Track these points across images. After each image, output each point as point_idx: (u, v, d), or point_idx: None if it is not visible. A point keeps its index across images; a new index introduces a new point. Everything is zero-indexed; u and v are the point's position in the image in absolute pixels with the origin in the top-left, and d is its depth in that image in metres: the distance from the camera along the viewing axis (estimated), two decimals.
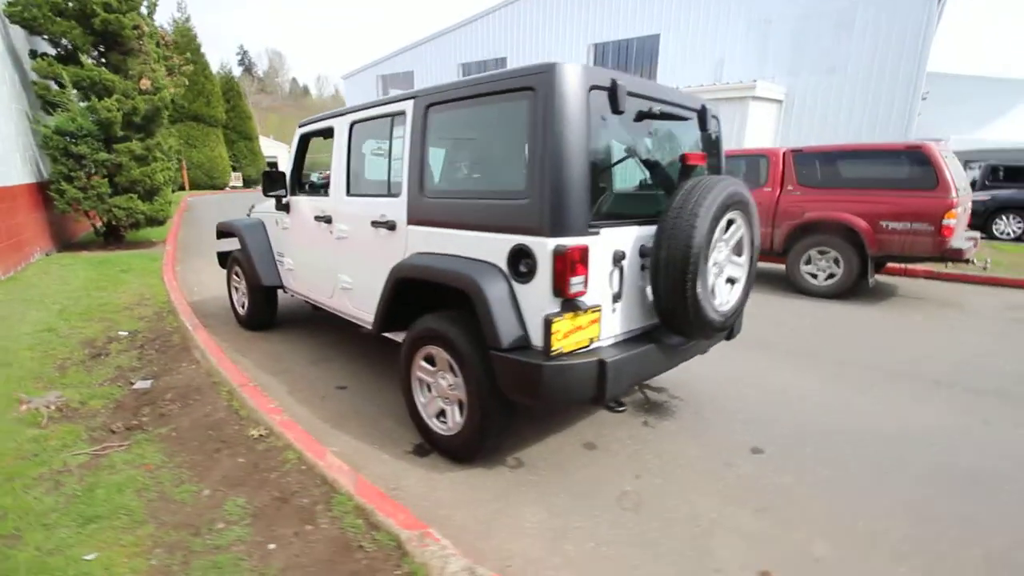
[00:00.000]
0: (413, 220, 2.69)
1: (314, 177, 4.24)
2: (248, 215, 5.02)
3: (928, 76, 14.38)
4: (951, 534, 2.16)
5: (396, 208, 2.79)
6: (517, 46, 21.65)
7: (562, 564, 1.96)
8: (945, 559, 2.01)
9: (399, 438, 2.88)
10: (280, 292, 4.57)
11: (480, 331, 2.33)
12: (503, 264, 2.23)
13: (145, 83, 7.83)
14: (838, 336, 4.84)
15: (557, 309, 2.09)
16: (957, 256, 5.46)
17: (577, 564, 1.96)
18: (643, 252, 2.36)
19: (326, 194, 3.51)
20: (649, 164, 2.47)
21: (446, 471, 2.56)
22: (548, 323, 2.02)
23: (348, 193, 3.24)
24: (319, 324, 4.96)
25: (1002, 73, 18.40)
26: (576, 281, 2.06)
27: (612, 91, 2.16)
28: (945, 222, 5.29)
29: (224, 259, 5.09)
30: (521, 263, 2.17)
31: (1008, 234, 11.49)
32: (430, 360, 2.65)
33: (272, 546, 1.93)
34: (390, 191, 2.88)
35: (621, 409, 2.58)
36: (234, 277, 4.89)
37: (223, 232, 4.93)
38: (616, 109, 2.18)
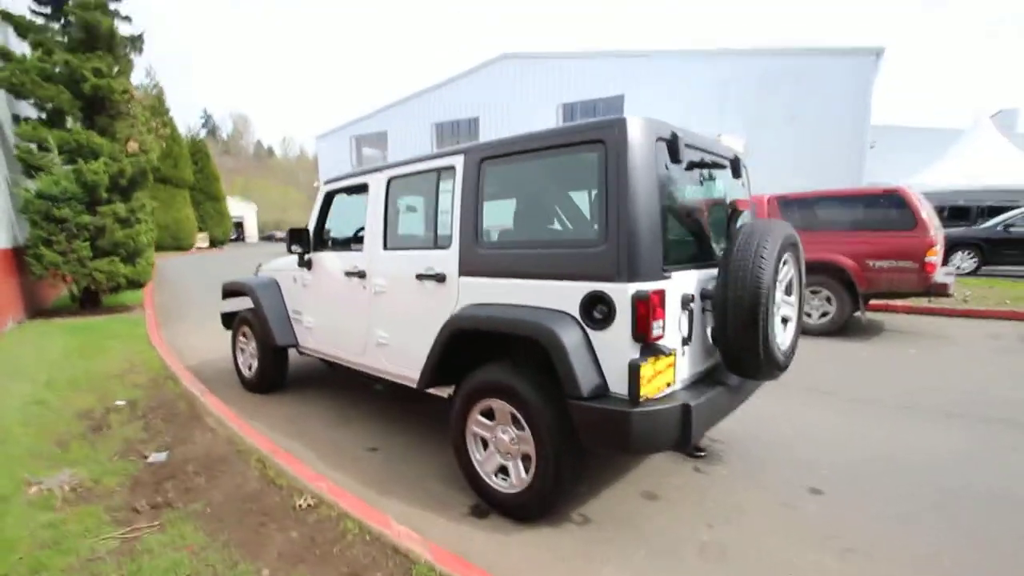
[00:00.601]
0: (465, 271, 2.67)
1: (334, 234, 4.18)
2: (256, 274, 4.90)
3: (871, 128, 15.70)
4: (1020, 557, 2.17)
5: (445, 260, 2.77)
6: (489, 107, 22.57)
7: None
8: None
9: (451, 500, 2.73)
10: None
11: (547, 381, 2.30)
12: (575, 311, 2.22)
13: (133, 145, 7.73)
14: (844, 372, 4.97)
15: (637, 355, 2.08)
16: (942, 290, 5.78)
17: None
18: (704, 295, 2.40)
19: (357, 249, 3.47)
20: (698, 210, 2.56)
21: (512, 532, 2.43)
22: (636, 369, 2.01)
23: (385, 247, 3.21)
24: (329, 383, 4.78)
25: (930, 124, 20.30)
26: (657, 325, 2.07)
27: (673, 142, 2.26)
28: (927, 259, 5.63)
29: (229, 320, 4.89)
30: (595, 310, 2.17)
31: (962, 269, 12.26)
32: (487, 414, 2.57)
33: None
34: (436, 244, 2.88)
35: (701, 454, 2.49)
36: (241, 338, 4.69)
37: (230, 292, 4.78)
38: (676, 159, 2.28)
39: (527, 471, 2.43)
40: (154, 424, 3.78)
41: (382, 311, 3.22)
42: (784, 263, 2.50)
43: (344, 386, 4.69)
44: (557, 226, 2.48)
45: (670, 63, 18.35)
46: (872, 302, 7.43)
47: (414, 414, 3.97)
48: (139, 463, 3.14)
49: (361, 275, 3.35)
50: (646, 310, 2.04)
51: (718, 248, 2.66)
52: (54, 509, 2.58)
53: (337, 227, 4.08)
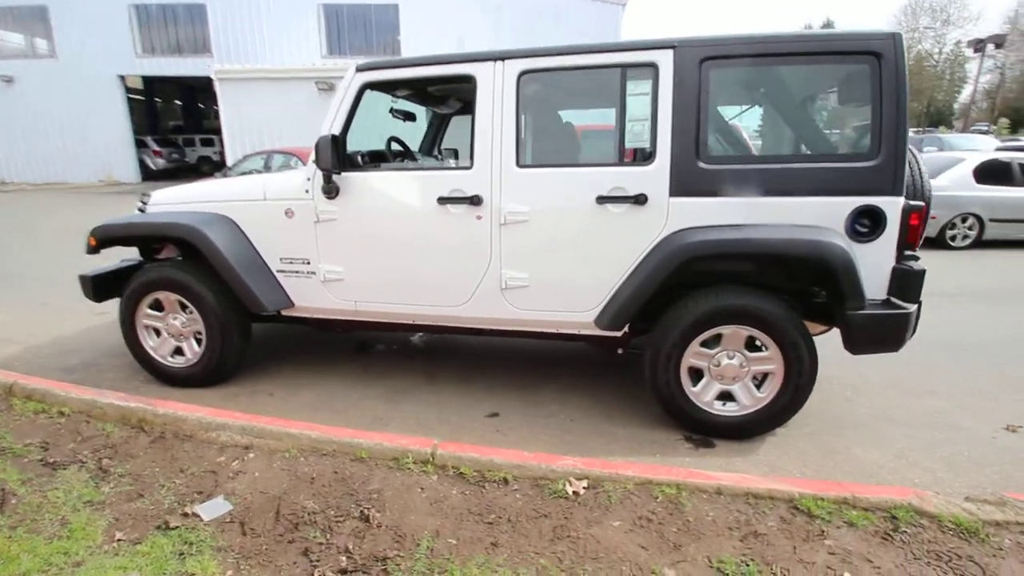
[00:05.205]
0: (680, 191, 2.35)
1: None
2: (143, 209, 3.14)
3: None
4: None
5: (646, 179, 2.36)
6: None
7: (932, 467, 2.32)
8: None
9: (659, 440, 2.57)
10: None
11: (779, 298, 2.37)
12: (840, 226, 2.27)
13: None
14: None
15: (895, 263, 2.30)
16: None
17: (934, 464, 2.35)
18: None
19: (453, 166, 2.61)
20: None
21: (756, 451, 2.47)
22: (921, 274, 2.23)
23: (519, 164, 2.51)
24: (300, 353, 3.58)
25: None
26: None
27: None
28: None
29: (109, 285, 3.07)
30: (858, 223, 2.26)
31: None
32: (707, 343, 2.46)
33: (846, 574, 1.64)
34: (623, 159, 2.42)
35: None
36: (147, 313, 3.02)
37: (112, 240, 3.00)
38: None
39: (761, 391, 2.47)
40: (109, 469, 2.26)
41: (522, 245, 2.57)
42: None
43: (332, 353, 3.61)
44: (823, 139, 2.39)
45: None
46: None
47: (480, 372, 3.39)
48: (194, 525, 1.91)
49: (474, 201, 2.55)
50: (918, 220, 2.24)
51: None
52: None
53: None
